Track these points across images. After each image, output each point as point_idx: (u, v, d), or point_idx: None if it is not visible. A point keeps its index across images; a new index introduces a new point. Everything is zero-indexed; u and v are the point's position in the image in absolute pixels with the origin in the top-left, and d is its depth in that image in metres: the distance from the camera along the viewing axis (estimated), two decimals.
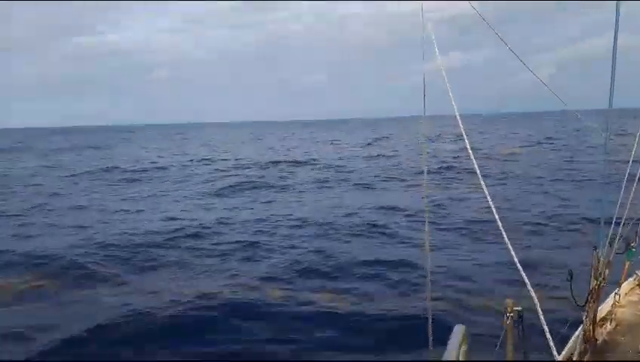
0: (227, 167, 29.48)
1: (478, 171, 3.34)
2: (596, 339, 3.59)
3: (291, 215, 14.24)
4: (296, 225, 12.87)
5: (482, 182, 3.29)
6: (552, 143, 39.34)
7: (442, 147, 37.33)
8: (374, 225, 12.49)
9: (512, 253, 3.08)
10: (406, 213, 13.95)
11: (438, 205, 14.79)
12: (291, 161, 31.13)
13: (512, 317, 2.88)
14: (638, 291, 4.64)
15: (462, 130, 3.41)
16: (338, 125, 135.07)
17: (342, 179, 22.22)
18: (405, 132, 68.98)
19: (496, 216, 3.22)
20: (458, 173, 22.60)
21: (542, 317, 2.87)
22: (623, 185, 4.02)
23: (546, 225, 12.20)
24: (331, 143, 51.39)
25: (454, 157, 28.78)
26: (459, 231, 11.87)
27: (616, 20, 3.02)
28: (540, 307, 2.94)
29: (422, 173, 17.58)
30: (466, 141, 3.42)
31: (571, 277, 3.51)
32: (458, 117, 3.39)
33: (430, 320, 3.23)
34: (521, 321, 2.92)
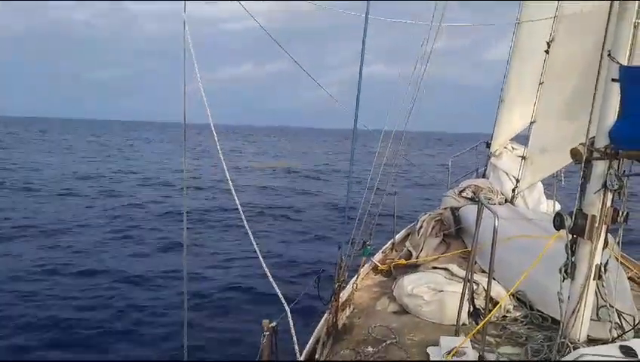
0: None
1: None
2: (337, 325, 3.99)
3: None
4: None
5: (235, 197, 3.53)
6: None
7: None
8: None
9: (266, 270, 3.36)
10: None
11: None
12: None
13: (267, 335, 3.12)
14: (372, 275, 5.30)
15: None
16: None
17: None
18: None
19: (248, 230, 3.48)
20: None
21: (291, 322, 3.18)
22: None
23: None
24: None
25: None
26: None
27: (361, 55, 3.37)
28: (292, 315, 3.23)
29: None
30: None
31: (319, 282, 4.16)
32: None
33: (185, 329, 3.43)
34: (276, 335, 3.20)
